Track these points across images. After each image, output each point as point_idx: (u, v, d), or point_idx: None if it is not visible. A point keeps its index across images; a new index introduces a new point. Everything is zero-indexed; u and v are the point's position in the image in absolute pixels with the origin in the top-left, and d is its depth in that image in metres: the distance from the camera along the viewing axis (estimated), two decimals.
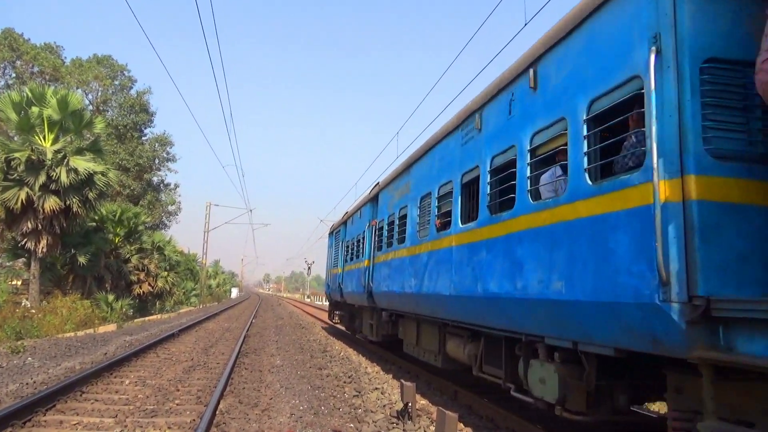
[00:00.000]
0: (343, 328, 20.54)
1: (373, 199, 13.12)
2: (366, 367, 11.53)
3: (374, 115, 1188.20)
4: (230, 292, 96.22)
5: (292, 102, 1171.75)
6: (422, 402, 8.16)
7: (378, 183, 12.87)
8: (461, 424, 6.66)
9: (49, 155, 20.84)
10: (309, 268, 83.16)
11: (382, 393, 8.71)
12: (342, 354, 13.77)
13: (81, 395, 7.78)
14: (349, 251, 15.93)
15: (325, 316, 34.31)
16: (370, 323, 13.24)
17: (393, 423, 6.82)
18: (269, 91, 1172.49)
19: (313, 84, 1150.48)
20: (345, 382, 9.67)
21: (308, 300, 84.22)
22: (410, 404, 6.94)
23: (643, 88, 3.78)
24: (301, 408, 7.58)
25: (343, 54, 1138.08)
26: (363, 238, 13.72)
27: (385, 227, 11.24)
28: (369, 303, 12.62)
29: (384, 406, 7.78)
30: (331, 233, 21.80)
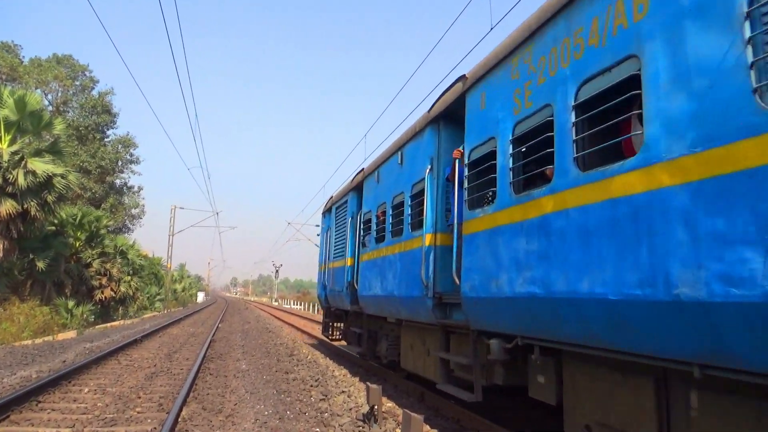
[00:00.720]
0: (340, 346, 15.36)
1: (440, 120, 7.34)
2: (333, 371, 11.47)
3: (342, 117, 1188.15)
4: (196, 296, 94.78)
5: (259, 104, 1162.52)
6: (389, 405, 8.16)
7: (465, 76, 6.45)
8: (427, 426, 6.68)
9: (6, 157, 20.19)
10: (277, 271, 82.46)
11: (348, 396, 8.68)
12: (309, 357, 13.67)
13: (37, 405, 7.54)
14: (376, 228, 9.92)
15: (293, 320, 34.06)
16: (443, 358, 6.95)
17: (359, 426, 6.80)
18: (236, 93, 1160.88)
19: (281, 85, 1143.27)
20: (311, 386, 9.61)
21: (276, 303, 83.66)
22: (376, 407, 6.94)
23: None
24: (266, 413, 7.50)
25: (312, 55, 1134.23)
26: (419, 193, 7.71)
27: (508, 150, 5.23)
28: (437, 318, 6.91)
29: (350, 409, 7.75)
30: (326, 212, 15.61)
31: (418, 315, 7.66)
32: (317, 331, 24.35)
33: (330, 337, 14.95)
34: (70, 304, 25.24)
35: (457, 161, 6.49)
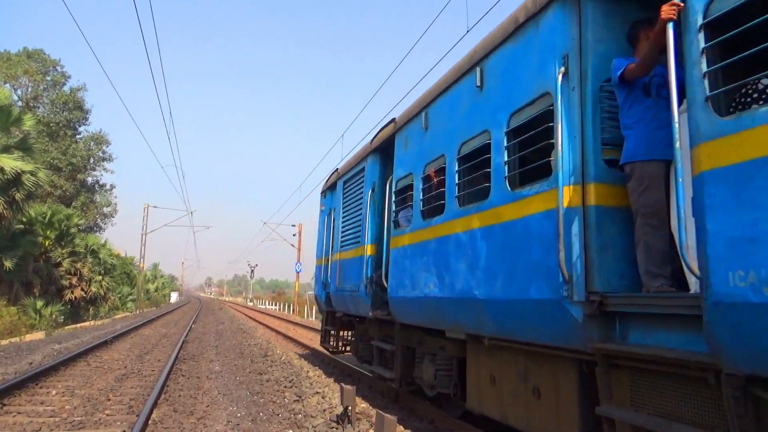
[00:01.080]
0: (341, 359, 12.49)
1: None
2: (307, 372, 11.42)
3: (319, 117, 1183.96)
4: (170, 296, 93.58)
5: (235, 103, 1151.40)
6: (363, 405, 8.15)
7: None
8: (401, 427, 6.70)
9: None
10: (252, 271, 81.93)
11: (322, 397, 8.65)
12: (283, 358, 13.59)
13: (2, 408, 7.36)
14: (422, 198, 6.75)
15: (268, 320, 33.81)
16: (608, 417, 3.57)
17: (332, 427, 6.78)
18: (212, 93, 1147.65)
19: (259, 85, 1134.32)
20: (285, 387, 9.55)
21: (251, 304, 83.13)
22: (350, 408, 6.93)
23: None
24: (239, 415, 7.44)
25: (291, 55, 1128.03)
26: (534, 122, 4.55)
27: None
28: (593, 340, 3.76)
29: (324, 410, 7.73)
30: (327, 189, 12.39)
31: (534, 332, 4.46)
32: (292, 331, 24.26)
33: (331, 350, 11.88)
34: (39, 304, 24.72)
35: (669, 27, 3.25)
